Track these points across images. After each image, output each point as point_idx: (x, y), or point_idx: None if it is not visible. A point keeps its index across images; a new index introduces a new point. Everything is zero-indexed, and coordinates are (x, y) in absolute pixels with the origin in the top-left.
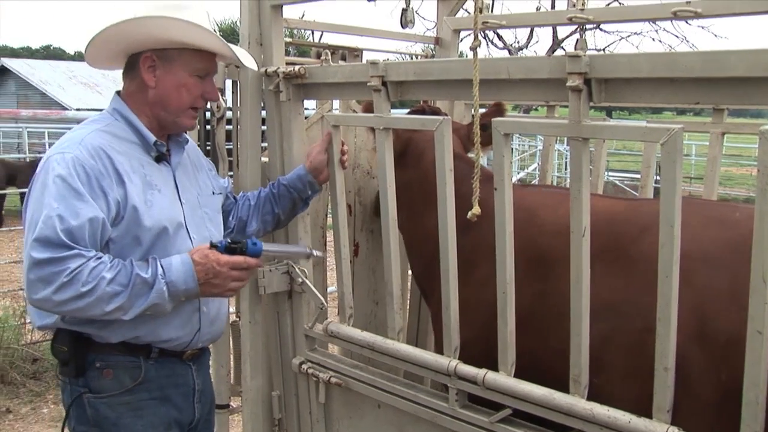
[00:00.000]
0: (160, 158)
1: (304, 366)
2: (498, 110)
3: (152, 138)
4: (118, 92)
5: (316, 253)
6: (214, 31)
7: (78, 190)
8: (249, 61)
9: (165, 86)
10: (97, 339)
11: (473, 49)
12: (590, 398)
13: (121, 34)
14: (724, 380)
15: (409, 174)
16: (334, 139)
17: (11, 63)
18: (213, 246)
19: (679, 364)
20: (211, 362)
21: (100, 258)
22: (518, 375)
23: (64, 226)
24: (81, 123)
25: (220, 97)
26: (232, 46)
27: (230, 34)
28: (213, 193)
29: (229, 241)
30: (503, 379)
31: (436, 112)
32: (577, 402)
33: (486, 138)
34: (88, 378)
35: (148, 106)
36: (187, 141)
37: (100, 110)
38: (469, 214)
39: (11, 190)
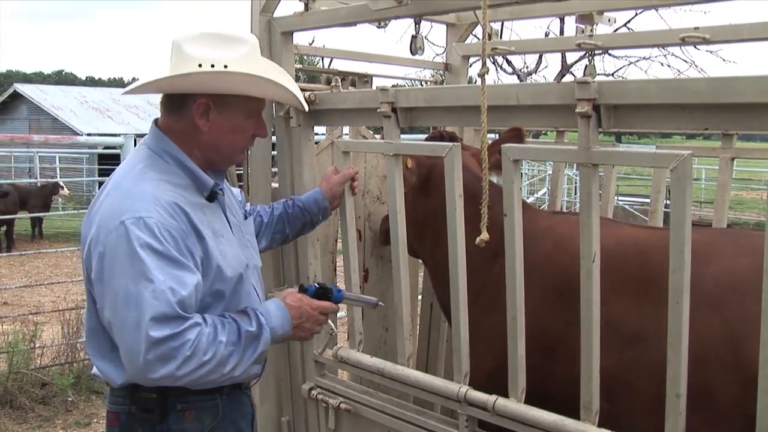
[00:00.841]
0: (212, 197)
1: (314, 392)
2: (516, 135)
3: (211, 182)
4: (157, 125)
5: (380, 303)
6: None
7: (174, 258)
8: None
9: (219, 131)
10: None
11: (481, 75)
12: (613, 427)
13: (188, 82)
14: (752, 414)
15: (433, 201)
16: (346, 165)
17: (24, 88)
18: (302, 290)
19: (709, 394)
20: None
21: (210, 322)
22: (546, 402)
23: (177, 299)
24: (126, 164)
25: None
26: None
27: None
28: (245, 216)
29: (317, 286)
30: (513, 405)
31: (453, 138)
32: (588, 429)
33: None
34: (169, 422)
35: (198, 149)
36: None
37: (112, 135)
38: (477, 240)
39: (22, 215)
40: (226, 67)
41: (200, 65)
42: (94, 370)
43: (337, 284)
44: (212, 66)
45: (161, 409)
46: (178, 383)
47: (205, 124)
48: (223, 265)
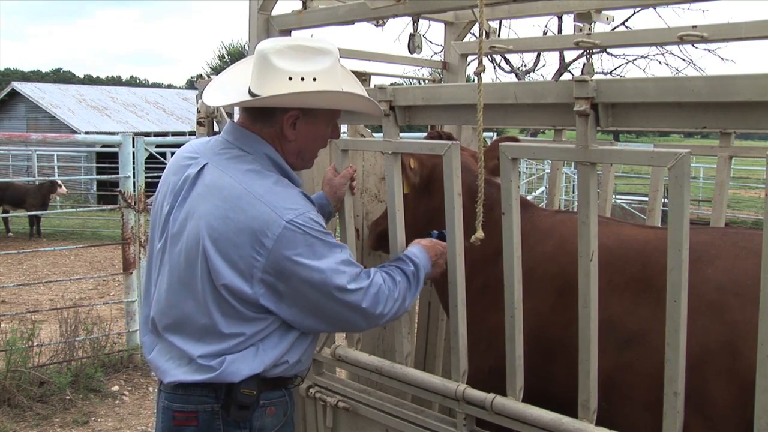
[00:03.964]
0: None
1: (312, 390)
2: (516, 138)
3: (300, 181)
4: (248, 129)
5: None
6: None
7: (330, 236)
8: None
9: (305, 140)
10: (269, 375)
11: (477, 74)
12: (611, 426)
13: (284, 99)
14: (749, 418)
15: (436, 201)
16: (345, 164)
17: (22, 87)
18: (427, 235)
19: (704, 398)
20: None
21: (375, 271)
22: (547, 403)
23: (351, 258)
24: (248, 171)
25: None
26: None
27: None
28: None
29: (438, 233)
30: (511, 403)
31: (450, 138)
32: (586, 427)
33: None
34: (253, 419)
35: (282, 154)
36: None
37: (110, 133)
38: (473, 238)
39: (20, 213)
40: (315, 80)
41: (290, 78)
42: (183, 375)
43: None
44: (302, 79)
45: (254, 405)
46: (383, 322)
47: (292, 133)
48: None
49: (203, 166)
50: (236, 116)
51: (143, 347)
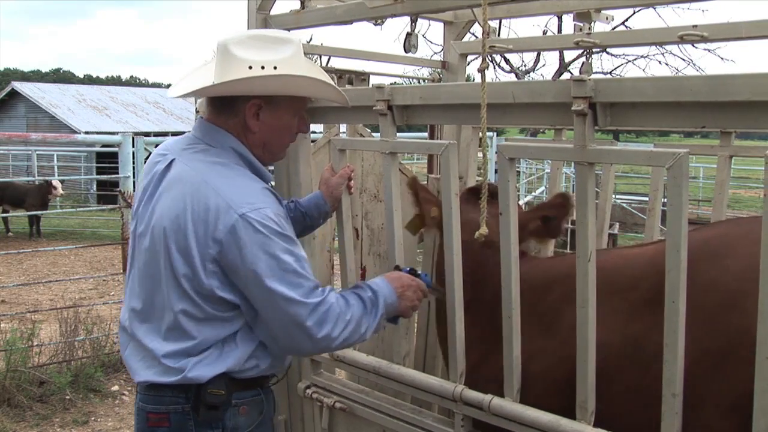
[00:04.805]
0: None
1: (309, 390)
2: (563, 204)
3: (270, 175)
4: (213, 123)
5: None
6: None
7: (293, 239)
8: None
9: (269, 130)
10: (239, 376)
11: (481, 71)
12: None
13: (241, 85)
14: None
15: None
16: (342, 163)
17: (21, 86)
18: (395, 268)
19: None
20: None
21: (330, 290)
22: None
23: (309, 270)
24: (211, 163)
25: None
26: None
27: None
28: None
29: (409, 269)
30: (509, 404)
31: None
32: (583, 428)
33: (550, 230)
34: (226, 419)
35: (248, 146)
36: None
37: (110, 133)
38: (477, 234)
39: (20, 213)
40: (275, 68)
41: (250, 67)
42: (152, 376)
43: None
44: (262, 68)
45: (225, 405)
46: (333, 346)
47: (255, 124)
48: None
49: (170, 161)
50: None
51: (120, 346)
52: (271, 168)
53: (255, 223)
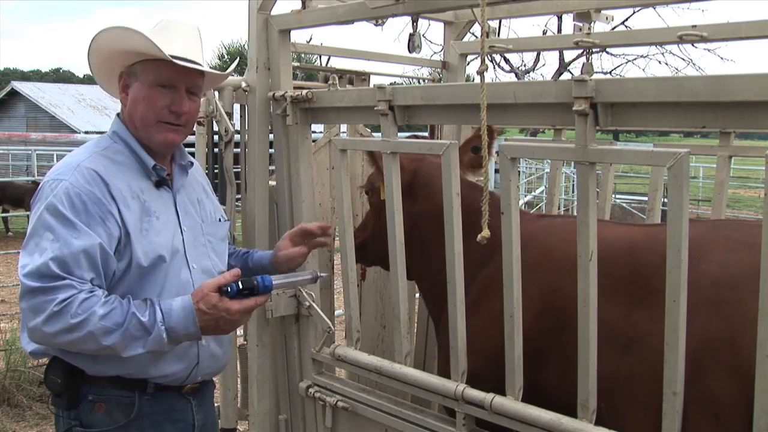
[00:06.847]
0: (161, 183)
1: (311, 390)
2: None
3: (151, 162)
4: (118, 113)
5: (321, 274)
6: (221, 51)
7: (71, 220)
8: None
9: (131, 102)
10: (91, 372)
11: (480, 73)
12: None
13: (97, 54)
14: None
15: (419, 206)
16: (343, 164)
17: (21, 86)
18: (223, 292)
19: (710, 397)
20: (217, 386)
21: (93, 291)
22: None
23: (55, 256)
24: (82, 146)
25: (227, 121)
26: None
27: (237, 57)
28: (220, 219)
29: (240, 287)
30: (511, 403)
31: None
32: (585, 427)
33: (476, 161)
34: (80, 411)
35: (128, 126)
36: (192, 164)
37: None
38: (479, 237)
39: (20, 212)
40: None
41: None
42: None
43: (324, 272)
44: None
45: (69, 395)
46: (49, 342)
47: (125, 97)
48: (135, 239)
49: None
50: (236, 116)
51: None
52: (272, 168)
53: (49, 189)
